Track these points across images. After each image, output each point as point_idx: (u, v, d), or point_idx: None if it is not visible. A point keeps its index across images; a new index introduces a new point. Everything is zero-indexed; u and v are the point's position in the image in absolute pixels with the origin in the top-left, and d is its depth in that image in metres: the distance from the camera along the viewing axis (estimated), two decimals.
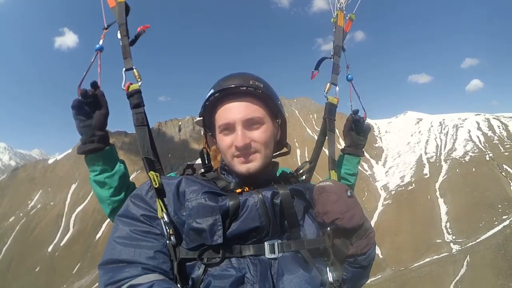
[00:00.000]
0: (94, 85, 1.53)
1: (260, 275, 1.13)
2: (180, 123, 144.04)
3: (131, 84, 1.59)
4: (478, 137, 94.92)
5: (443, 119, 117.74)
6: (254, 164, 1.32)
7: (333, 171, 1.65)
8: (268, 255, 1.19)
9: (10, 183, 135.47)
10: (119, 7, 1.72)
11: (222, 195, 1.26)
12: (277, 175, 1.50)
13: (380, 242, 63.12)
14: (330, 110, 1.83)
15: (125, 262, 1.10)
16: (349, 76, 1.97)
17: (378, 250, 61.92)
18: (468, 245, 52.01)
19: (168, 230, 1.15)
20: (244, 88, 1.30)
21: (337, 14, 2.00)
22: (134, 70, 1.63)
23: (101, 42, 1.66)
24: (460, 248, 52.65)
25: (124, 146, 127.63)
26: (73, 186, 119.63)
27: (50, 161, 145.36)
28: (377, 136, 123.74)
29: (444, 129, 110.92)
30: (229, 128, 1.31)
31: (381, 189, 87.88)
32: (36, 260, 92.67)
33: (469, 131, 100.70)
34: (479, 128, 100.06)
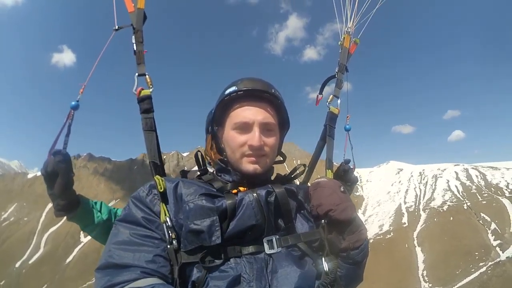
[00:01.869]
0: (55, 153, 1.49)
1: (256, 273, 1.14)
2: (165, 157, 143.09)
3: (142, 89, 1.60)
4: (456, 186, 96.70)
5: (423, 169, 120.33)
6: (262, 166, 1.36)
7: (329, 170, 1.74)
8: (268, 251, 1.20)
9: None
10: (138, 13, 1.75)
11: (219, 196, 1.28)
12: (272, 178, 1.55)
13: None
14: (331, 118, 1.92)
15: (124, 266, 1.09)
16: (347, 126, 2.03)
17: None
18: None
19: (170, 235, 1.16)
20: (267, 94, 1.36)
21: (344, 37, 2.16)
22: (147, 76, 1.64)
23: (78, 97, 1.57)
24: None
25: (106, 173, 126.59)
26: (49, 205, 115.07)
27: (29, 176, 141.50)
28: (358, 184, 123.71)
29: (423, 179, 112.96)
30: (245, 127, 1.34)
31: None
32: (2, 274, 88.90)
33: (448, 181, 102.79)
34: (457, 178, 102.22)
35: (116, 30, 1.71)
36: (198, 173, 1.51)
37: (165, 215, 1.20)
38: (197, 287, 1.13)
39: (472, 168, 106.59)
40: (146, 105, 1.57)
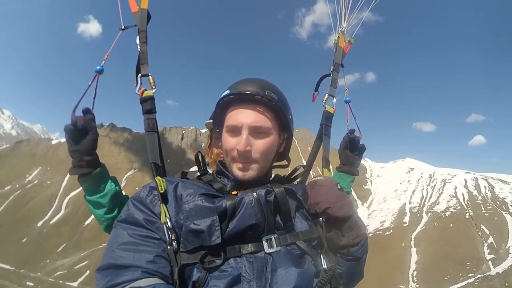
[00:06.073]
0: (86, 111, 1.50)
1: (256, 272, 1.13)
2: (184, 131, 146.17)
3: (145, 90, 1.61)
4: (463, 194, 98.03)
5: (434, 172, 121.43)
6: (250, 173, 1.32)
7: (325, 169, 1.74)
8: (267, 250, 1.18)
9: (11, 154, 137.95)
10: (141, 14, 1.75)
11: (218, 196, 1.26)
12: (271, 178, 1.52)
13: None
14: (327, 117, 1.95)
15: (124, 266, 1.07)
16: (347, 98, 2.07)
17: None
18: None
19: (170, 236, 1.14)
20: (259, 97, 1.29)
21: (338, 37, 2.19)
22: (150, 77, 1.64)
23: (103, 63, 1.61)
24: None
25: (126, 143, 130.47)
26: None
27: (53, 142, 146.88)
28: (368, 178, 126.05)
29: (432, 182, 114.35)
30: (235, 130, 1.31)
31: None
32: (24, 231, 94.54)
33: (456, 187, 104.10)
34: (465, 186, 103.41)
35: (122, 29, 1.72)
36: (198, 173, 1.49)
37: (166, 216, 1.17)
38: (198, 287, 1.10)
39: (482, 178, 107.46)
40: (148, 106, 1.58)
